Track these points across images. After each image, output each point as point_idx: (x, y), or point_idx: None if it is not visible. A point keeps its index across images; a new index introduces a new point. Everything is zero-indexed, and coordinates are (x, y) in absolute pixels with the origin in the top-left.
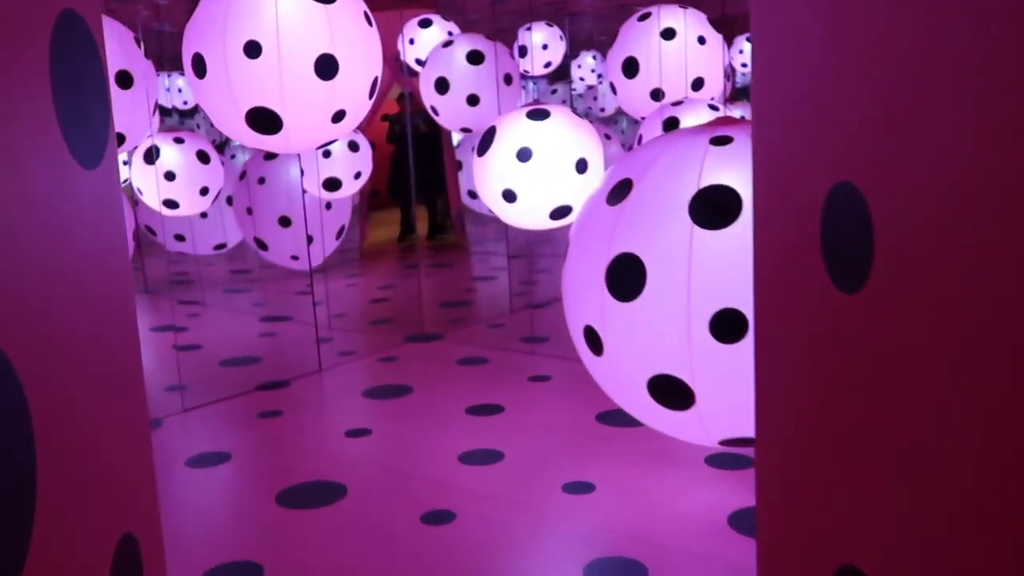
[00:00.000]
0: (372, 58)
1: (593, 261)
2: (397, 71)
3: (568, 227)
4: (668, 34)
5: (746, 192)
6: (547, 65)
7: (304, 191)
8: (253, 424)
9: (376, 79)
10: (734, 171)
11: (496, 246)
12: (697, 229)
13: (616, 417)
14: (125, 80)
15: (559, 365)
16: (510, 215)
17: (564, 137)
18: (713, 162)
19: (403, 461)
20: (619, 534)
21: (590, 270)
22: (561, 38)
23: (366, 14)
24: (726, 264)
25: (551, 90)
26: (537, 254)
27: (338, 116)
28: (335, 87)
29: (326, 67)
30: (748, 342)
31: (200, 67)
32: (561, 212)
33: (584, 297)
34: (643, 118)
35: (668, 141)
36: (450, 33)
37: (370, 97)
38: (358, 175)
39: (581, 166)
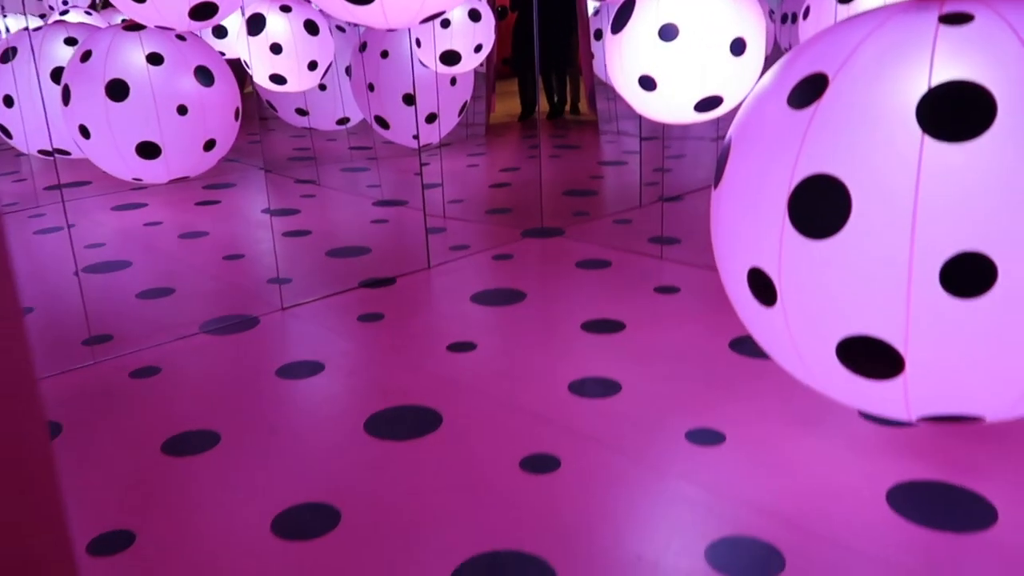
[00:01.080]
0: None
1: (768, 183)
2: None
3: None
4: None
5: (1001, 91)
6: None
7: (423, 65)
8: (352, 329)
9: None
10: (979, 61)
11: (629, 125)
12: (929, 141)
13: (755, 346)
14: None
15: (690, 274)
16: (648, 106)
17: (718, 10)
18: (948, 48)
19: (506, 387)
20: (752, 506)
21: (763, 195)
22: None
23: None
24: (970, 190)
25: None
26: (672, 136)
27: None
28: None
29: None
30: (996, 297)
31: None
32: (709, 104)
33: (750, 230)
34: None
35: (874, 19)
36: None
37: None
38: (479, 48)
39: (737, 47)
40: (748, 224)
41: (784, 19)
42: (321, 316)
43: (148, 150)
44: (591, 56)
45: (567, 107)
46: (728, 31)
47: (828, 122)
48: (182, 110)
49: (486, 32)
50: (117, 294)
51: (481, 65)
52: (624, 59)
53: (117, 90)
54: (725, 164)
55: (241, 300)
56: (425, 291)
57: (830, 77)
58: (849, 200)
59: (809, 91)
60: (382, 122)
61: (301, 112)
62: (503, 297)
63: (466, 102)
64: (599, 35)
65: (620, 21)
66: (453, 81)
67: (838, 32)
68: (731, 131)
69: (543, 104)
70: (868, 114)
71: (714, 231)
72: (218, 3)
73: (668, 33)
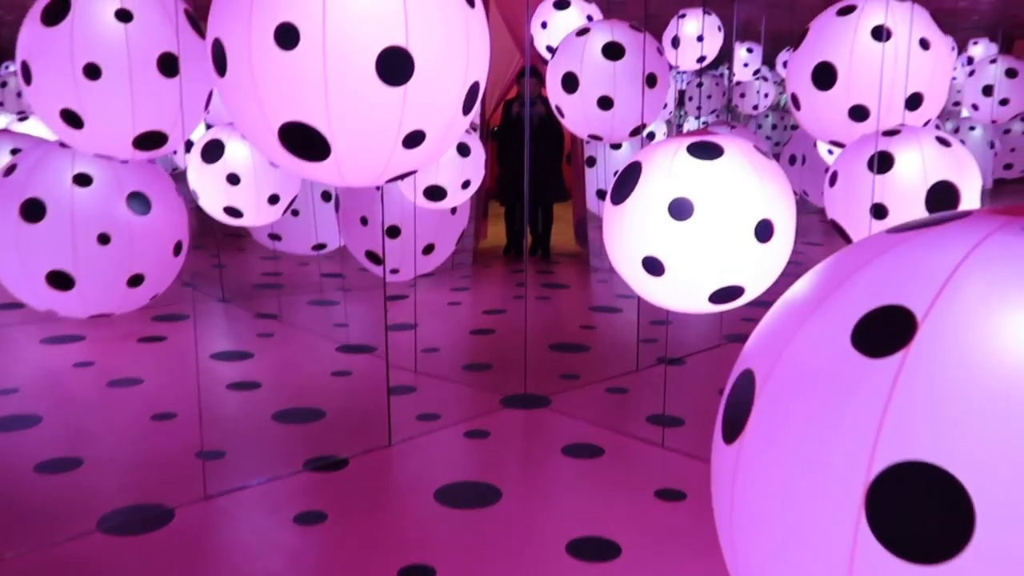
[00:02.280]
0: (472, 56)
1: (830, 466)
2: (536, 60)
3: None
4: (880, 33)
5: None
6: (700, 59)
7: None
8: (285, 534)
9: (476, 86)
10: None
11: None
12: None
13: None
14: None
15: (696, 472)
16: (653, 292)
17: (740, 185)
18: None
19: None
20: None
21: (822, 481)
22: (720, 28)
23: None
24: None
25: (697, 83)
26: None
27: (412, 139)
28: (407, 95)
29: (393, 65)
30: None
31: (220, 60)
32: (727, 294)
33: (804, 529)
34: (833, 147)
35: (961, 236)
36: (589, 18)
37: (466, 112)
38: (467, 184)
39: (763, 231)
40: (798, 521)
41: (791, 161)
42: (251, 511)
43: (59, 280)
44: (582, 183)
45: (544, 247)
46: (753, 211)
47: (925, 383)
48: (103, 239)
49: (475, 167)
50: (14, 463)
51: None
52: (626, 236)
53: (32, 210)
54: (747, 416)
55: (157, 482)
56: (382, 480)
57: (918, 317)
58: (971, 508)
59: (886, 332)
60: (374, 257)
61: (274, 237)
62: (474, 495)
63: (463, 230)
64: (591, 162)
65: (622, 190)
66: (454, 210)
67: (909, 248)
68: (750, 361)
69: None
70: (989, 377)
71: (726, 521)
72: (167, 132)
73: (681, 210)
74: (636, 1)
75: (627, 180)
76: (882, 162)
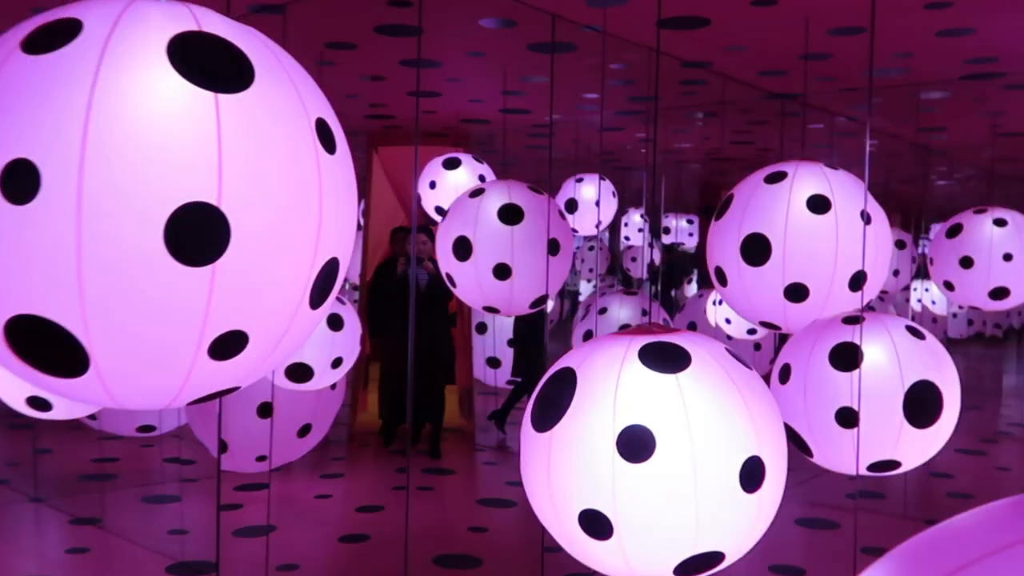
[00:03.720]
0: (328, 221)
1: None
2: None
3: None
4: (817, 204)
5: None
6: (597, 225)
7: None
8: None
9: (333, 265)
10: None
11: (512, 432)
12: None
13: None
14: None
15: None
16: (595, 557)
17: (719, 419)
18: None
19: None
20: None
21: None
22: (614, 195)
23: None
24: None
25: (587, 247)
26: None
27: (225, 345)
28: (217, 278)
29: (194, 232)
30: None
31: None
32: (702, 563)
33: None
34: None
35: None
36: (481, 178)
37: (316, 303)
38: (338, 363)
39: (752, 474)
40: None
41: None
42: None
43: None
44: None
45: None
46: (737, 447)
47: None
48: None
49: (349, 343)
50: None
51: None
52: (555, 479)
53: None
54: None
55: None
56: None
57: None
58: None
59: None
60: (224, 446)
61: (91, 416)
62: None
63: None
64: (482, 328)
65: (549, 411)
66: (334, 385)
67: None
68: None
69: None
70: None
71: None
72: None
73: (635, 448)
74: (527, 164)
75: (556, 396)
76: (847, 357)
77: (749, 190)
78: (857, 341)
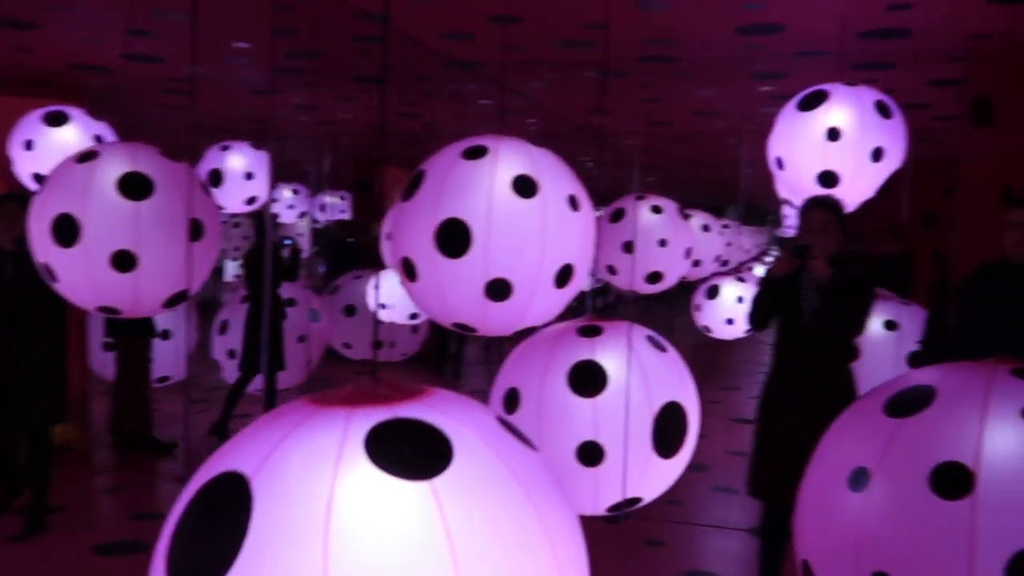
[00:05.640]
0: None
1: None
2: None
3: None
4: (524, 186)
5: None
6: (250, 200)
7: None
8: None
9: None
10: None
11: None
12: None
13: None
14: None
15: None
16: None
17: (491, 534)
18: None
19: None
20: None
21: None
22: (268, 167)
23: None
24: None
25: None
26: None
27: None
28: None
29: None
30: None
31: None
32: None
33: None
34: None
35: None
36: (98, 139)
37: None
38: None
39: None
40: None
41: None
42: None
43: None
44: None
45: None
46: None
47: None
48: None
49: None
50: None
51: None
52: None
53: None
54: None
55: None
56: None
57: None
58: None
59: None
60: None
61: None
62: None
63: None
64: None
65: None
66: None
67: None
68: None
69: None
70: None
71: None
72: None
73: None
74: (161, 127)
75: (214, 534)
76: (588, 379)
77: (444, 166)
78: (597, 358)
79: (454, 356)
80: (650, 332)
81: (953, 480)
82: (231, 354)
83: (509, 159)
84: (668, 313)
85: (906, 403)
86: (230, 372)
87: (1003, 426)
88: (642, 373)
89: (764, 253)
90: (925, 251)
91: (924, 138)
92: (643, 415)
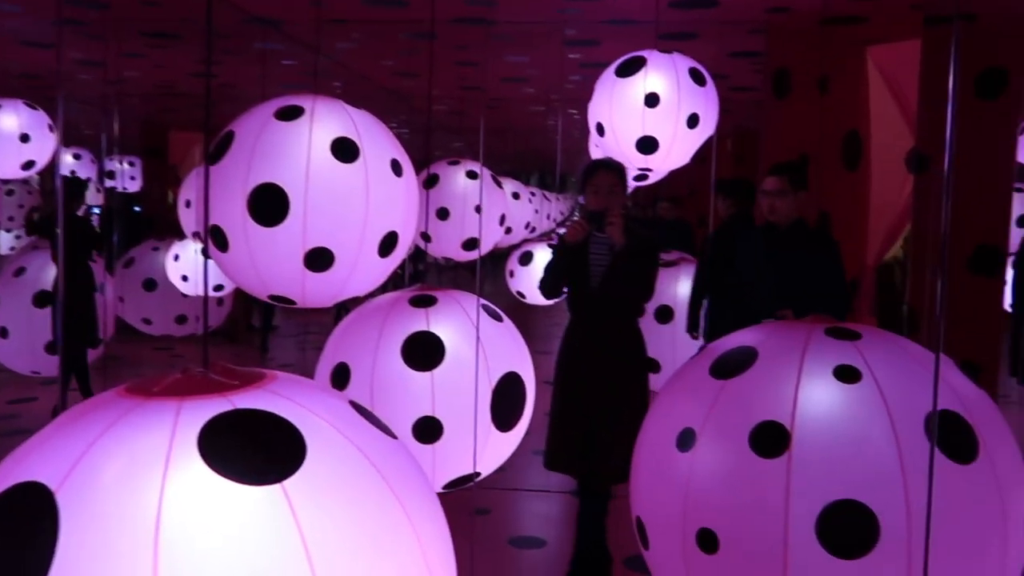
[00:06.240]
0: None
1: None
2: None
3: None
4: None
5: None
6: (27, 165)
7: None
8: None
9: None
10: None
11: None
12: None
13: None
14: None
15: None
16: None
17: (349, 540)
18: None
19: None
20: None
21: None
22: (51, 128)
23: None
24: None
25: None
26: None
27: None
28: None
29: None
30: None
31: None
32: None
33: None
34: None
35: None
36: None
37: None
38: None
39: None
40: None
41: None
42: None
43: None
44: None
45: None
46: None
47: None
48: None
49: None
50: None
51: None
52: None
53: None
54: None
55: None
56: None
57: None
58: None
59: None
60: None
61: None
62: None
63: None
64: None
65: None
66: None
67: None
68: None
69: None
70: None
71: None
72: None
73: None
74: None
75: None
76: (425, 351)
77: (255, 128)
78: (432, 329)
79: (262, 329)
80: (485, 301)
81: (771, 439)
82: None
83: (327, 120)
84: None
85: (730, 364)
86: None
87: (817, 386)
88: (480, 343)
89: (568, 220)
90: (716, 219)
91: (721, 108)
92: (483, 387)
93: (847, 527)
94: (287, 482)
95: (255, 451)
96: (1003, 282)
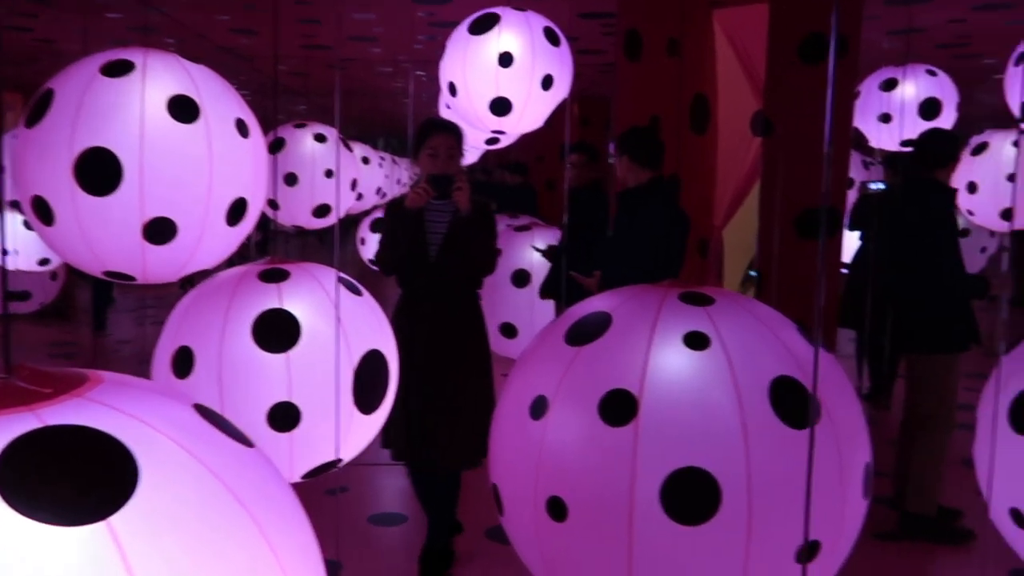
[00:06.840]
0: None
1: None
2: None
3: None
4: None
5: None
6: None
7: None
8: None
9: None
10: None
11: None
12: None
13: None
14: None
15: None
16: None
17: None
18: None
19: None
20: None
21: None
22: None
23: None
24: None
25: None
26: None
27: None
28: None
29: None
30: None
31: None
32: None
33: None
34: None
35: None
36: None
37: None
38: None
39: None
40: None
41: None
42: None
43: None
44: None
45: None
46: None
47: None
48: None
49: None
50: None
51: None
52: None
53: None
54: None
55: None
56: None
57: None
58: None
59: None
60: None
61: None
62: None
63: None
64: None
65: None
66: None
67: None
68: None
69: None
70: None
71: None
72: None
73: None
74: None
75: None
76: (280, 331)
77: (79, 85)
78: (286, 306)
79: (95, 304)
80: (342, 274)
81: (619, 407)
82: None
83: (161, 77)
84: (324, 247)
85: (584, 331)
86: None
87: (666, 352)
88: (337, 318)
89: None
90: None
91: None
92: (343, 368)
93: (690, 494)
94: (114, 518)
95: (71, 481)
96: (840, 243)
